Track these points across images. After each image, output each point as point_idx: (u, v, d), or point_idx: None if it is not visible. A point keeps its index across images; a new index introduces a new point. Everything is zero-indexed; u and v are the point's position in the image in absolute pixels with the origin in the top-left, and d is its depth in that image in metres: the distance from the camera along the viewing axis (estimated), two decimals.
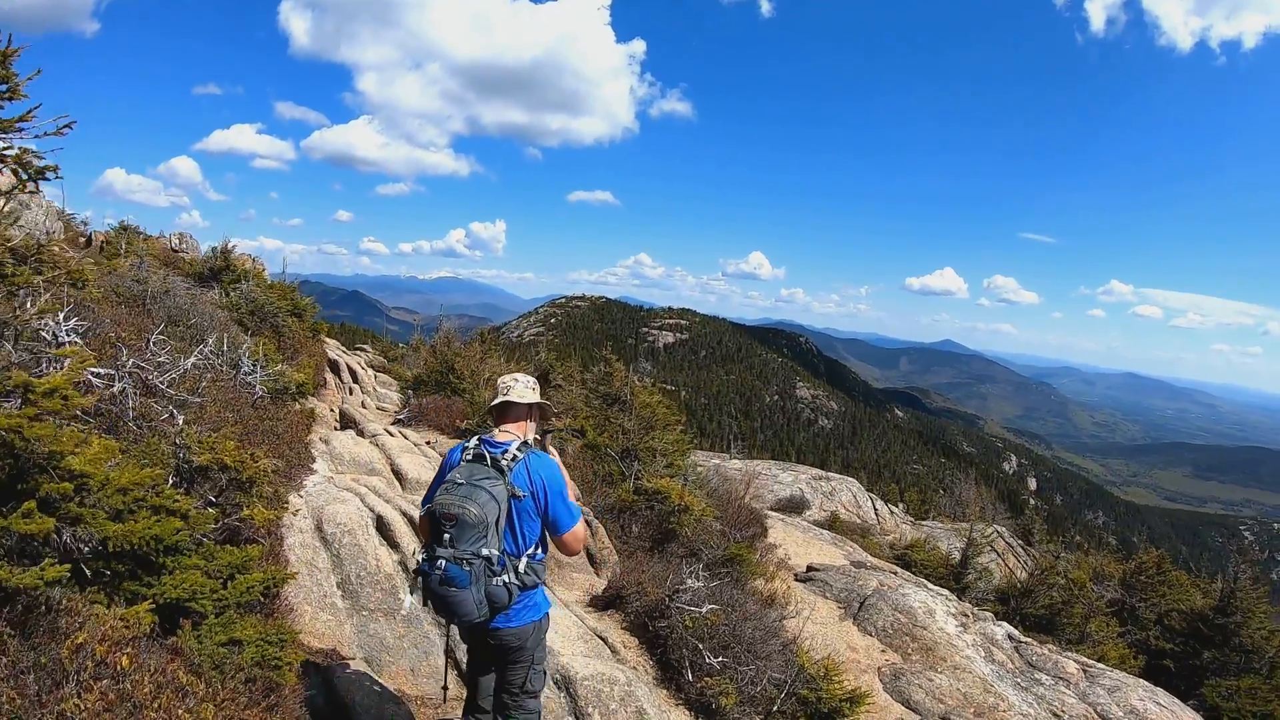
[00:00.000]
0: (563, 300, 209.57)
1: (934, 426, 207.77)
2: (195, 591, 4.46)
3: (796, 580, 13.75)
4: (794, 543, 16.73)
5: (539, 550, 4.41)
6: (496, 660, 4.58)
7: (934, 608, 12.54)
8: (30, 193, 5.13)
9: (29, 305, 5.74)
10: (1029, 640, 12.83)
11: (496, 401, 4.57)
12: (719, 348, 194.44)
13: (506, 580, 4.13)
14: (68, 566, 3.49)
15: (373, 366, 23.65)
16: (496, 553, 4.07)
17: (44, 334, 6.08)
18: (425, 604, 4.36)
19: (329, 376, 18.32)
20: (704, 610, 7.99)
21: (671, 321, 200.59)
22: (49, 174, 5.10)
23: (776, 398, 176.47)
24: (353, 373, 19.77)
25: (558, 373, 16.78)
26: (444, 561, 3.96)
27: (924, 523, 27.66)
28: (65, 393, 3.84)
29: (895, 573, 15.50)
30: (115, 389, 6.44)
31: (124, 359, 6.73)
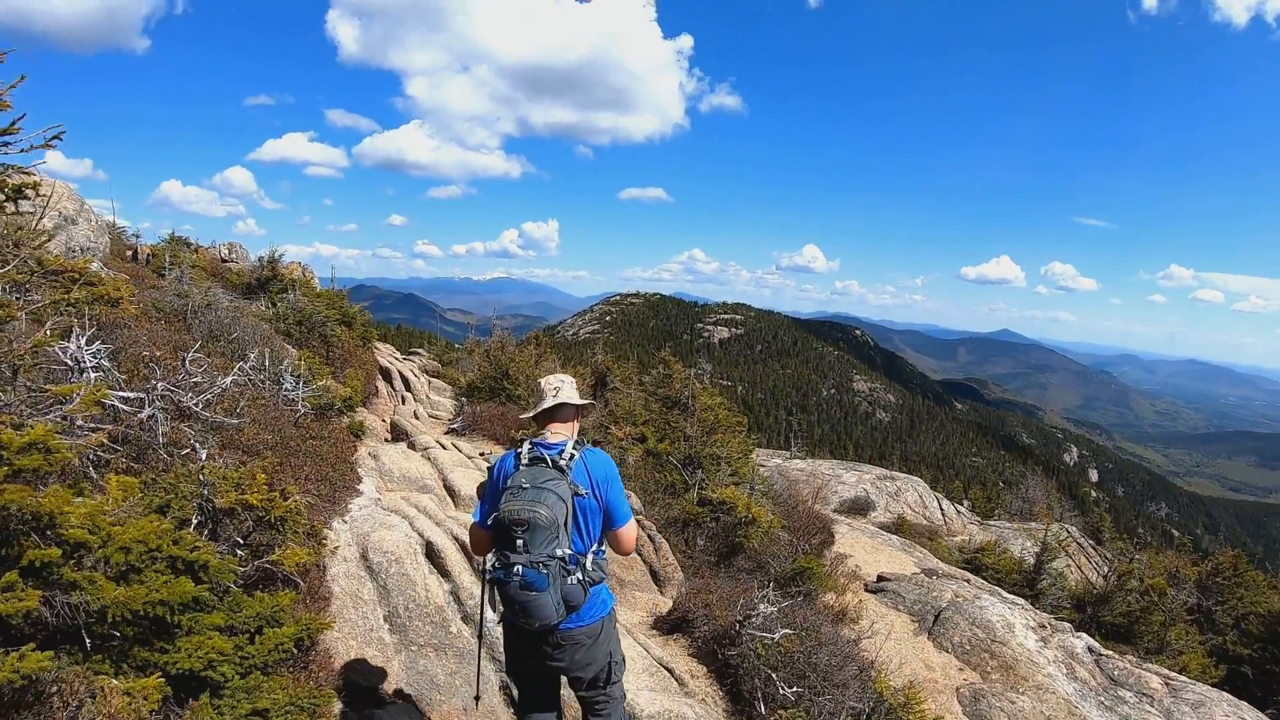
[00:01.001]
0: (617, 298, 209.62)
1: (993, 418, 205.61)
2: (212, 660, 3.99)
3: (867, 591, 13.16)
4: (862, 549, 16.12)
5: (601, 547, 4.40)
6: (565, 671, 4.39)
7: (1013, 621, 11.90)
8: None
9: (40, 333, 5.28)
10: (1110, 653, 12.14)
11: (549, 404, 4.46)
12: (774, 342, 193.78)
13: (580, 578, 4.10)
14: (49, 654, 3.00)
15: (426, 371, 23.27)
16: (569, 552, 4.05)
17: (65, 360, 5.71)
18: (501, 613, 4.18)
19: (381, 385, 17.93)
20: (777, 636, 7.44)
21: (726, 317, 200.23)
22: (28, 191, 4.64)
23: (833, 391, 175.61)
24: (405, 380, 19.36)
25: (615, 375, 16.34)
26: (520, 567, 3.91)
27: (991, 522, 26.87)
28: (48, 444, 3.36)
29: (968, 581, 14.87)
30: (144, 414, 6.01)
31: (155, 382, 6.29)
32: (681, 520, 11.35)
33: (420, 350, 30.15)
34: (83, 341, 5.94)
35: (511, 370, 15.56)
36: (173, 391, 6.56)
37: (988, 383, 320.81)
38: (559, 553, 3.97)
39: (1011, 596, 14.04)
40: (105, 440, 5.27)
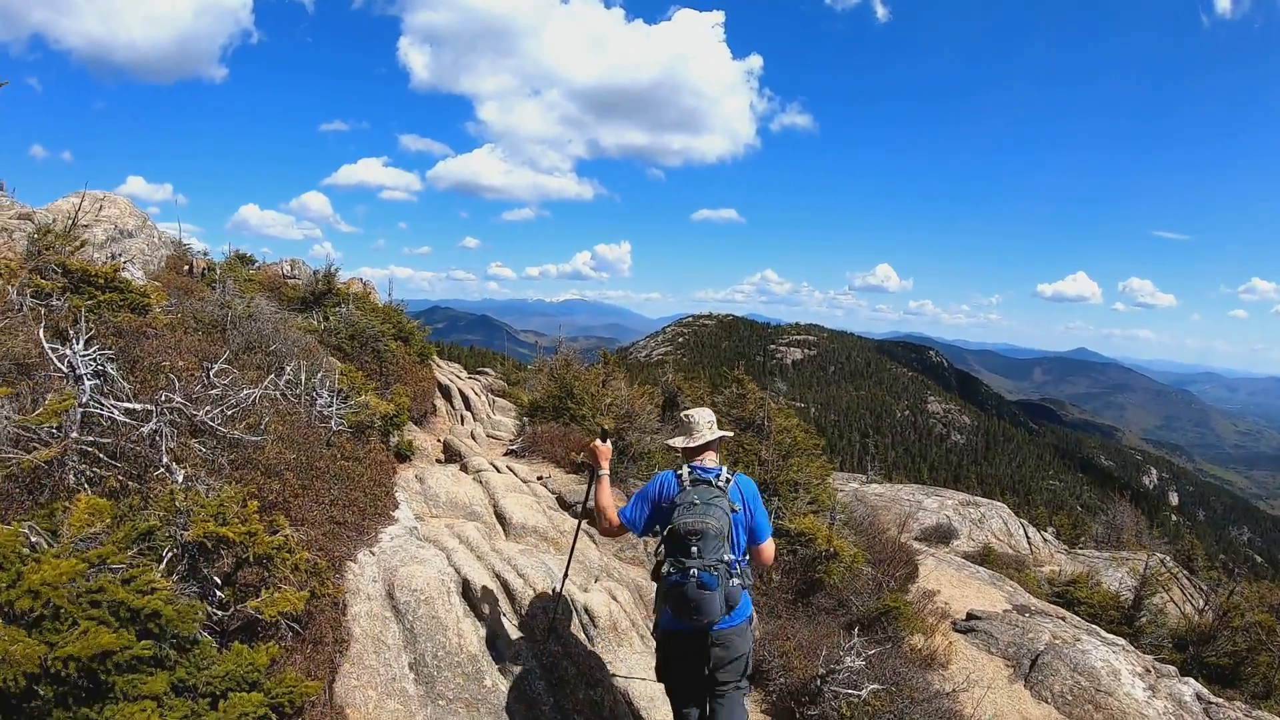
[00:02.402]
0: (689, 319, 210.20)
1: (1070, 440, 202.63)
2: None
3: (955, 630, 12.13)
4: (948, 582, 15.03)
5: (745, 558, 4.97)
6: (698, 664, 4.90)
7: (1118, 667, 10.91)
8: None
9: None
10: (1219, 700, 11.10)
11: (707, 439, 5.17)
12: (847, 363, 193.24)
13: (739, 581, 4.75)
14: None
15: (492, 390, 22.61)
16: (732, 558, 4.71)
17: (60, 367, 5.15)
18: (660, 620, 4.97)
19: (440, 403, 17.23)
20: (864, 694, 6.49)
21: (799, 338, 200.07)
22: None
23: (907, 413, 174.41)
24: (465, 399, 18.63)
25: (685, 395, 15.51)
26: (695, 570, 4.55)
27: (1079, 551, 25.55)
28: None
29: (1064, 618, 13.80)
30: (146, 429, 5.27)
31: (162, 393, 5.51)
32: None
33: (488, 370, 29.55)
34: (79, 346, 5.30)
35: (576, 389, 14.79)
36: (185, 405, 5.78)
37: (1064, 403, 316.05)
38: (725, 558, 4.65)
39: (1111, 637, 12.97)
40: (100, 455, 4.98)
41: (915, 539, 19.61)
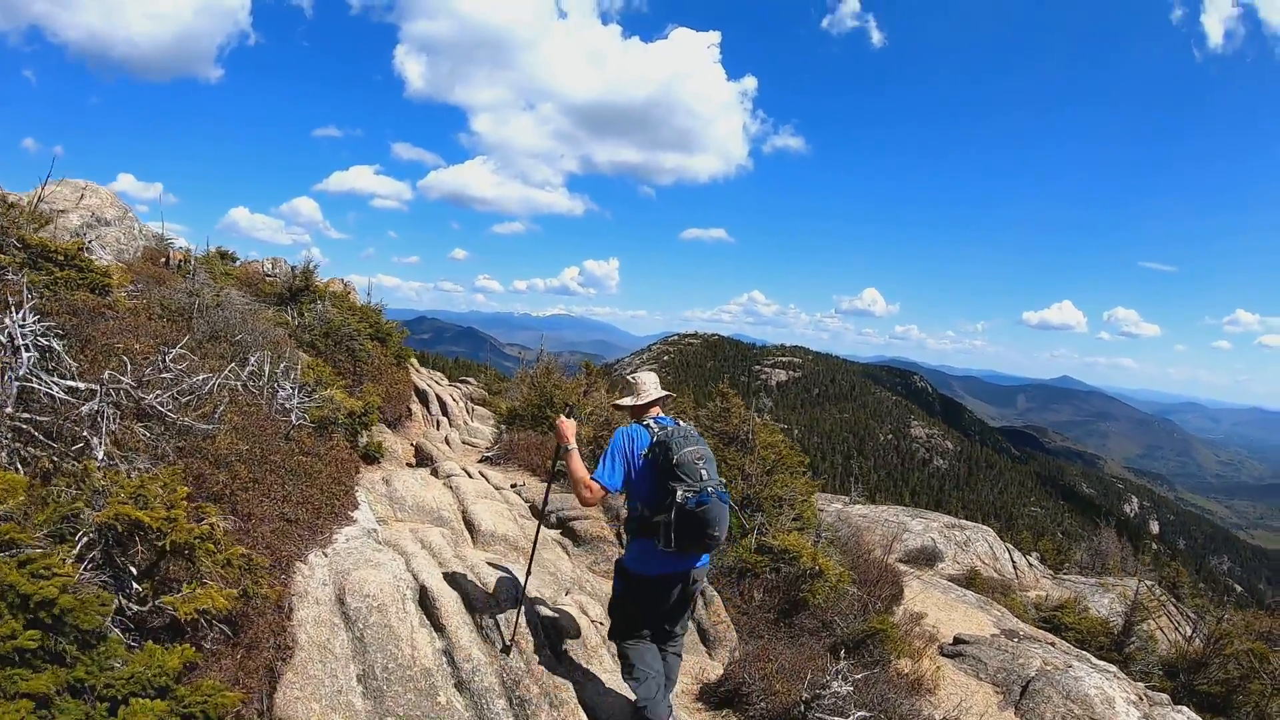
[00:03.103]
0: (675, 338, 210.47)
1: (1052, 467, 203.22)
2: None
3: (942, 655, 11.73)
4: (934, 605, 14.61)
5: None
6: (671, 605, 5.38)
7: (1112, 695, 10.41)
8: None
9: None
10: None
11: (655, 396, 5.51)
12: (832, 386, 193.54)
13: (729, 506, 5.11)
14: None
15: (472, 399, 22.24)
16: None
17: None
18: (683, 544, 4.94)
19: (416, 408, 16.77)
20: None
21: (784, 359, 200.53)
22: None
23: (890, 437, 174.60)
24: (443, 404, 18.19)
25: (667, 409, 15.05)
26: (713, 489, 4.86)
27: (1065, 577, 25.30)
28: None
29: (1053, 644, 13.50)
30: (85, 409, 4.90)
31: (107, 373, 5.09)
32: (737, 570, 9.96)
33: (470, 379, 29.17)
34: (20, 316, 4.97)
35: (556, 398, 14.39)
36: (133, 388, 5.34)
37: (1047, 431, 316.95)
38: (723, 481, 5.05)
39: (1102, 663, 12.66)
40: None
41: (900, 560, 19.26)
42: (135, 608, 3.85)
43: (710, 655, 8.08)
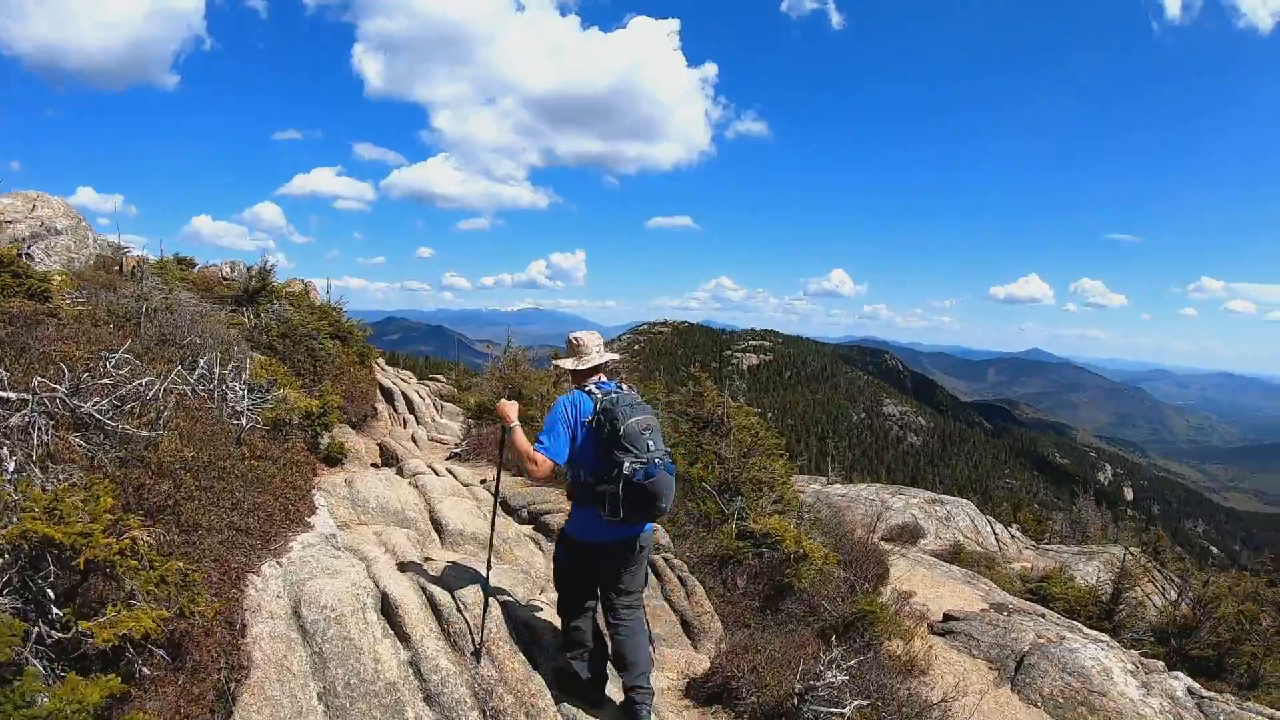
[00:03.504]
0: (645, 327, 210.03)
1: (1025, 439, 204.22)
2: None
3: (933, 633, 11.49)
4: (921, 582, 14.41)
5: None
6: (620, 571, 5.22)
7: (1109, 665, 10.31)
8: None
9: None
10: (1211, 694, 10.57)
11: (598, 361, 5.30)
12: (803, 368, 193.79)
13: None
14: None
15: (440, 396, 21.82)
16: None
17: None
18: (629, 514, 4.81)
19: (381, 407, 16.35)
20: (849, 711, 5.67)
21: (755, 343, 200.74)
22: None
23: (864, 416, 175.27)
24: (409, 402, 17.75)
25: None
26: (659, 460, 4.77)
27: (1047, 547, 25.35)
28: None
29: (1043, 616, 13.37)
30: (14, 420, 4.60)
31: (37, 380, 4.72)
32: (719, 557, 9.63)
33: (438, 376, 28.75)
34: None
35: (525, 390, 13.99)
36: (68, 396, 4.94)
37: (1018, 403, 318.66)
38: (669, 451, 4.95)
39: (1093, 633, 12.66)
40: None
41: (882, 539, 19.04)
42: (59, 635, 3.46)
43: (695, 647, 7.73)
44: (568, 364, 5.32)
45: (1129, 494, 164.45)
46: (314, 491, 7.37)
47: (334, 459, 9.90)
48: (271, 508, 6.17)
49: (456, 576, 5.88)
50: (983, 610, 13.13)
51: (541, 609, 6.14)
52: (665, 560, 8.51)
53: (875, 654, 8.16)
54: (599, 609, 5.39)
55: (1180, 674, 11.06)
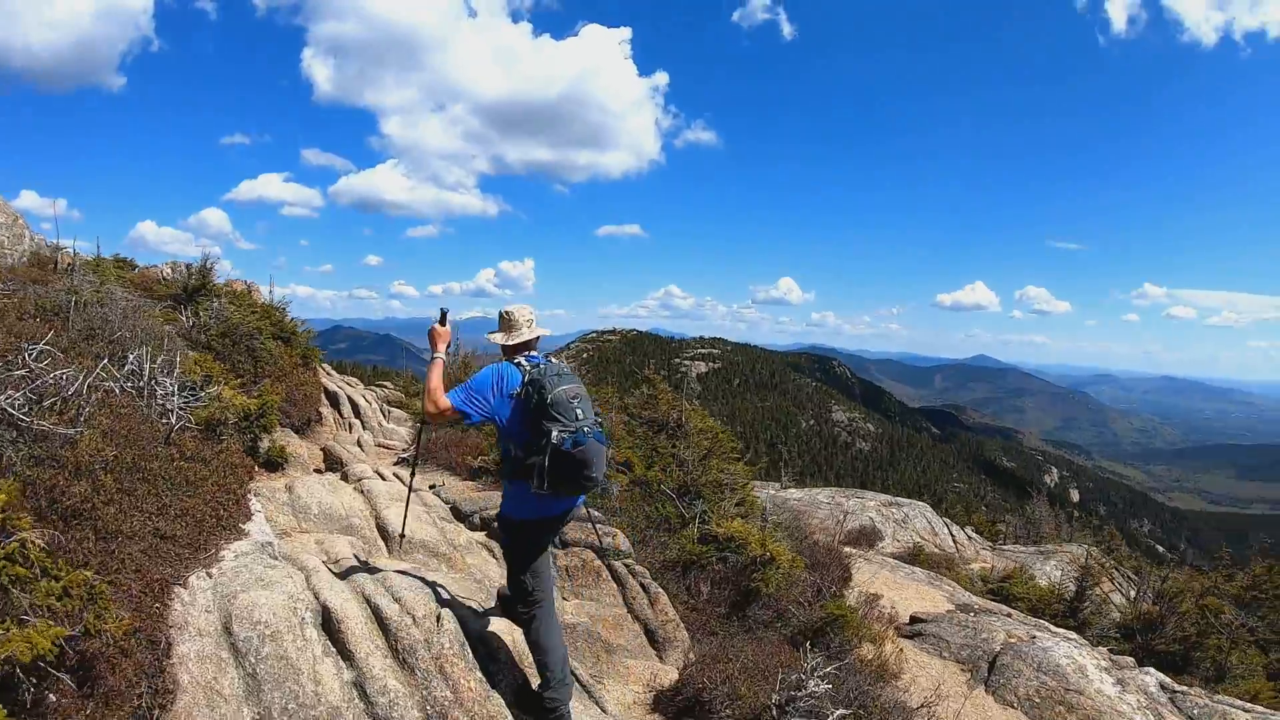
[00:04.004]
0: (594, 335, 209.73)
1: (972, 443, 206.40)
2: None
3: (901, 636, 11.19)
4: (884, 584, 14.14)
5: None
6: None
7: (1084, 663, 10.15)
8: None
9: None
10: (1183, 688, 10.52)
11: (529, 337, 5.24)
12: (752, 375, 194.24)
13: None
14: None
15: (389, 402, 21.25)
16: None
17: None
18: (565, 484, 4.75)
19: (326, 411, 15.77)
20: None
21: (703, 351, 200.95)
22: None
23: (813, 423, 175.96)
24: (355, 406, 17.18)
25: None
26: (588, 428, 4.71)
27: (1005, 548, 25.29)
28: None
29: (1010, 615, 13.25)
30: None
31: None
32: (682, 563, 9.25)
33: (386, 383, 28.20)
34: None
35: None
36: None
37: (965, 409, 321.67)
38: (600, 421, 4.87)
39: (1061, 631, 12.48)
40: None
41: (841, 542, 18.79)
42: None
43: (661, 658, 7.29)
44: (497, 338, 5.30)
45: (1075, 496, 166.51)
46: (250, 496, 6.84)
47: (275, 463, 9.41)
48: (202, 513, 5.63)
49: (405, 587, 5.39)
50: (949, 611, 12.92)
51: (498, 620, 5.67)
52: (627, 567, 8.09)
53: (848, 659, 7.82)
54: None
55: (1151, 669, 10.96)
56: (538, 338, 5.30)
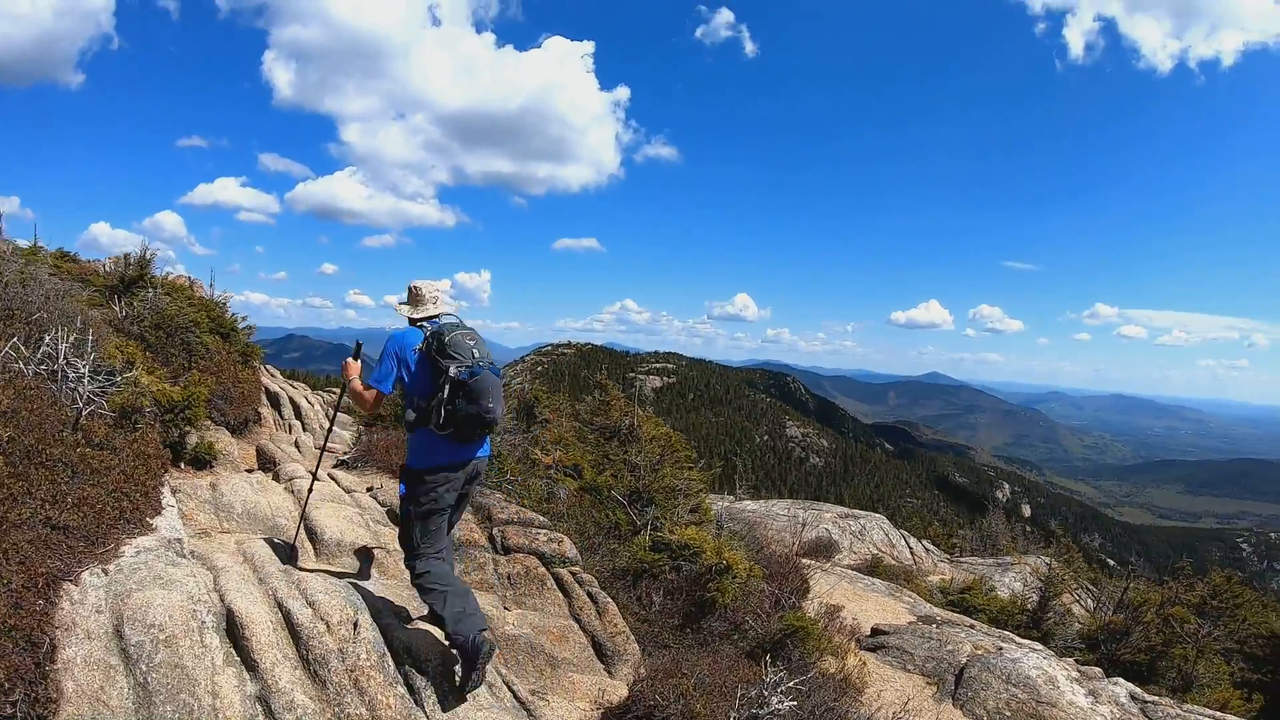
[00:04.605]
0: (549, 348, 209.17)
1: (925, 459, 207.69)
2: None
3: (863, 649, 10.81)
4: (844, 596, 13.83)
5: None
6: (457, 507, 5.41)
7: (1054, 674, 9.81)
8: None
9: None
10: (1154, 699, 10.29)
11: (433, 311, 5.40)
12: (707, 390, 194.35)
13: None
14: None
15: (334, 407, 20.66)
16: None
17: None
18: (463, 424, 4.89)
19: (266, 412, 15.18)
20: None
21: (659, 365, 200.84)
22: None
23: (766, 438, 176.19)
24: (296, 408, 16.58)
25: (544, 406, 13.95)
26: (484, 364, 4.93)
27: (963, 560, 25.26)
28: None
29: (973, 626, 12.96)
30: None
31: None
32: (632, 572, 8.77)
33: (334, 389, 27.61)
34: None
35: None
36: None
37: (918, 425, 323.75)
38: (498, 366, 5.14)
39: (1026, 642, 12.28)
40: None
41: (798, 554, 18.44)
42: None
43: (610, 673, 6.78)
44: (404, 310, 5.48)
45: (1027, 511, 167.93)
46: (164, 490, 6.26)
47: (202, 460, 8.83)
48: (103, 504, 5.08)
49: (321, 590, 4.86)
50: (911, 623, 12.62)
51: (428, 629, 5.16)
52: (573, 575, 7.61)
53: (815, 674, 7.37)
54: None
55: (1120, 679, 10.72)
56: (441, 315, 5.40)
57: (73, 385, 6.49)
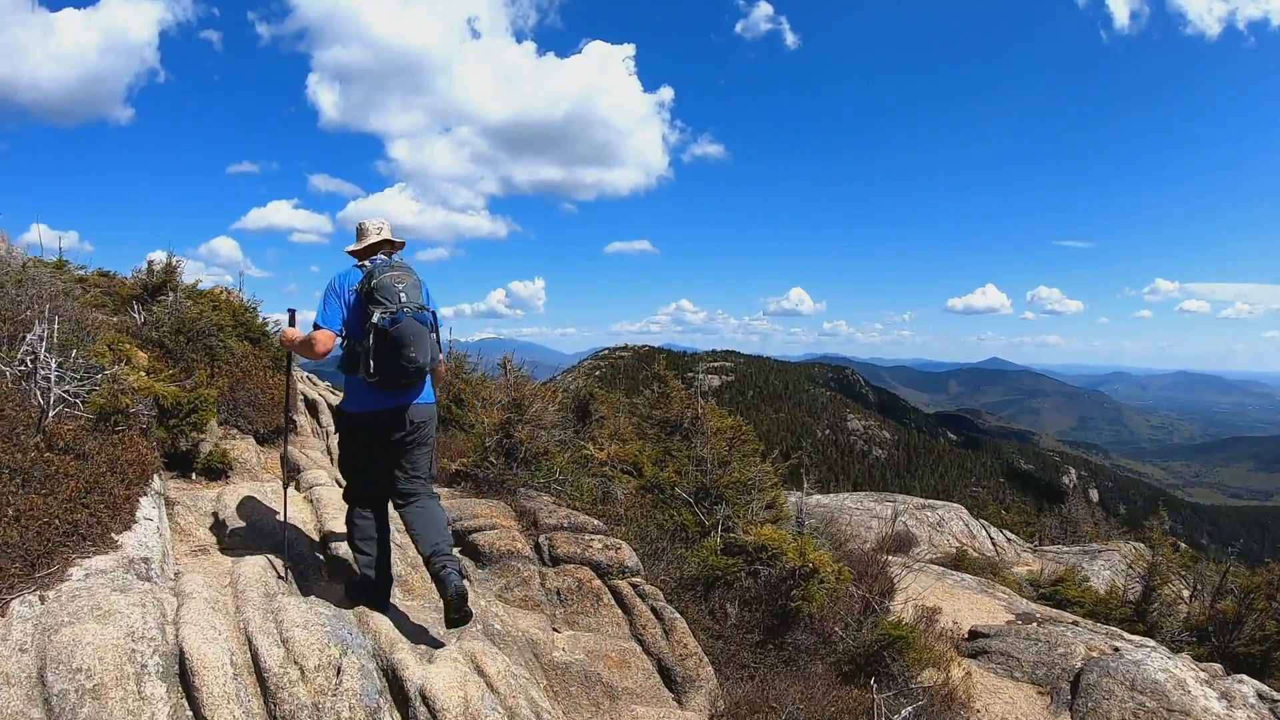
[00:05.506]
0: (606, 352, 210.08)
1: (989, 447, 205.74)
2: None
3: (962, 655, 9.68)
4: (933, 594, 12.72)
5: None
6: (398, 450, 5.07)
7: (1183, 677, 8.63)
8: None
9: None
10: None
11: (375, 240, 5.38)
12: (766, 387, 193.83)
13: (437, 339, 5.17)
14: None
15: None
16: (431, 311, 5.07)
17: None
18: (383, 371, 4.78)
19: (303, 420, 14.39)
20: None
21: (716, 364, 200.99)
22: None
23: (828, 432, 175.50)
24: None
25: (600, 403, 13.12)
26: (409, 310, 4.79)
27: (1046, 549, 24.10)
28: None
29: (1077, 623, 11.80)
30: None
31: None
32: (703, 580, 7.74)
33: None
34: None
35: (464, 395, 12.54)
36: None
37: (980, 412, 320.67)
38: (430, 307, 5.04)
39: (1138, 638, 11.11)
40: None
41: (873, 549, 17.40)
42: None
43: (680, 703, 5.72)
44: (351, 247, 5.45)
45: (1094, 495, 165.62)
46: (142, 502, 5.31)
47: (215, 470, 7.96)
48: (49, 516, 4.12)
49: (300, 623, 3.81)
50: (1010, 622, 11.58)
51: (446, 666, 4.06)
52: (633, 587, 6.62)
53: (918, 693, 6.28)
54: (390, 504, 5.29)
55: (1245, 677, 9.53)
56: (383, 242, 5.36)
57: (41, 383, 5.60)
